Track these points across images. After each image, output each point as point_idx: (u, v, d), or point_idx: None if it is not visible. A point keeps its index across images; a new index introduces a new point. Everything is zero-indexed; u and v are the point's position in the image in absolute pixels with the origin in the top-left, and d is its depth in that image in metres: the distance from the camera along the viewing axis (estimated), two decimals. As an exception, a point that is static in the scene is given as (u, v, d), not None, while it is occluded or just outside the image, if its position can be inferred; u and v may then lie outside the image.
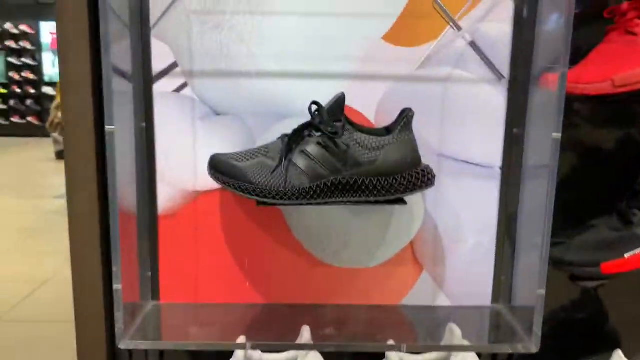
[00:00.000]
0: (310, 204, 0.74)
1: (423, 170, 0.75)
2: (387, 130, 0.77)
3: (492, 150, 0.86)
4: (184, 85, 0.83)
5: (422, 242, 0.88)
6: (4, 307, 2.29)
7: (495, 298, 0.89)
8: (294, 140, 0.74)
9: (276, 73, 0.82)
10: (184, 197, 0.86)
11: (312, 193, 0.73)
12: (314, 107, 0.74)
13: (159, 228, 0.87)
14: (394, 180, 0.74)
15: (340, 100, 0.74)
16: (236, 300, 0.88)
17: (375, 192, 0.74)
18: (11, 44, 8.42)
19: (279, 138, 0.76)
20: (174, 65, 0.82)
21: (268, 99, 0.83)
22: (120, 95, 0.80)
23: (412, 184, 0.74)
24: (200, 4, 0.80)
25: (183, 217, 0.86)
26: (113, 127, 0.72)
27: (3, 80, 8.40)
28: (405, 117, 0.74)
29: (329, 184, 0.73)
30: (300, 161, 0.73)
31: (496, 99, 0.84)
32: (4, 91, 8.41)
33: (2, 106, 8.32)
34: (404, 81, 0.83)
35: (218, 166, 0.75)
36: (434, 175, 0.76)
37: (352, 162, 0.73)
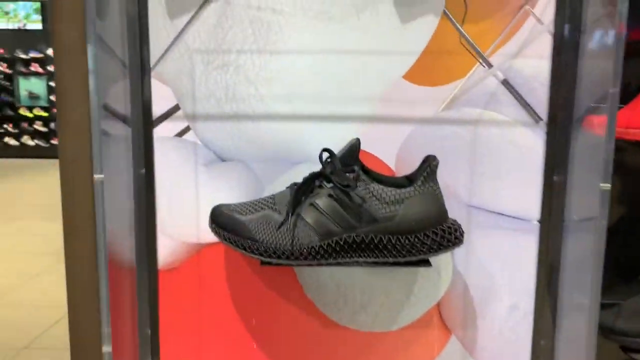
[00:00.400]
0: (321, 264, 0.66)
1: (450, 227, 0.66)
2: (409, 180, 0.68)
3: (528, 201, 0.76)
4: (186, 130, 0.76)
5: (450, 304, 0.78)
6: (35, 331, 2.27)
7: (534, 367, 0.78)
8: (302, 191, 0.67)
9: (286, 116, 0.75)
10: (186, 249, 0.79)
11: (322, 252, 0.65)
12: (325, 155, 0.67)
13: (159, 283, 0.80)
14: (416, 239, 0.65)
15: (354, 147, 0.67)
16: (242, 364, 0.80)
17: (394, 253, 0.65)
18: (52, 68, 8.70)
19: (288, 187, 0.69)
20: (175, 108, 0.76)
21: (277, 143, 0.76)
22: (117, 140, 0.75)
23: (437, 243, 0.65)
24: (203, 42, 0.74)
25: (185, 272, 0.80)
26: (102, 175, 0.66)
27: (45, 104, 8.66)
28: (429, 166, 0.66)
29: (341, 243, 0.65)
30: (309, 216, 0.65)
31: (533, 143, 0.75)
32: (45, 114, 8.65)
33: (44, 129, 8.56)
34: (428, 124, 0.75)
35: (219, 219, 0.68)
36: (463, 233, 0.67)
37: (368, 217, 0.65)
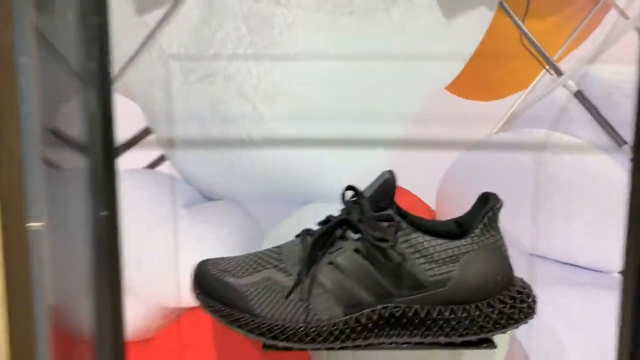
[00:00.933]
0: (345, 347, 0.48)
1: (520, 292, 0.49)
2: (459, 226, 0.51)
3: (608, 248, 0.61)
4: (160, 159, 0.61)
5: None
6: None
7: None
8: (320, 244, 0.49)
9: (293, 140, 0.59)
10: (162, 316, 0.64)
11: (347, 331, 0.48)
12: (350, 194, 0.49)
13: (127, 358, 0.62)
14: (478, 312, 0.48)
15: (388, 184, 0.50)
16: None
17: (447, 330, 0.48)
18: None
19: (299, 236, 0.51)
20: (146, 132, 0.60)
21: (281, 177, 0.60)
22: (69, 174, 0.57)
23: (505, 316, 0.48)
24: (183, 45, 0.58)
25: (161, 344, 0.64)
26: (40, 223, 0.49)
27: None
28: (491, 209, 0.49)
29: (374, 317, 0.48)
30: (329, 279, 0.48)
31: (614, 173, 0.60)
32: None
33: None
34: (478, 149, 0.59)
35: (205, 283, 0.51)
36: (536, 300, 0.50)
37: (411, 282, 0.48)
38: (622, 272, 0.62)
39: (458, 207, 0.57)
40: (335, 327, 0.47)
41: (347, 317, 0.47)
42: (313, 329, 0.47)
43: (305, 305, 0.47)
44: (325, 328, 0.47)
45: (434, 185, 0.59)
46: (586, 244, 0.60)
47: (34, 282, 0.51)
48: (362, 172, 0.57)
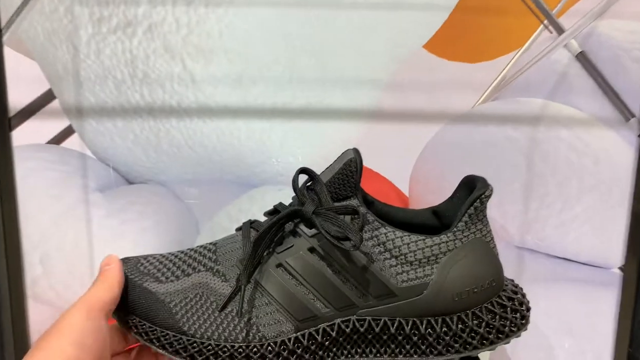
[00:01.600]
0: None
1: (511, 299, 0.40)
2: (437, 216, 0.41)
3: (608, 241, 0.53)
4: (67, 133, 0.48)
5: None
6: None
7: None
8: (265, 242, 0.39)
9: (234, 110, 0.47)
10: None
11: (299, 351, 0.38)
12: (303, 179, 0.39)
13: None
14: (461, 325, 0.38)
15: (352, 166, 0.39)
16: None
17: (423, 348, 0.39)
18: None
19: (239, 229, 0.40)
20: (47, 98, 0.47)
21: (220, 154, 0.48)
22: None
23: (493, 329, 0.39)
24: None
25: None
26: None
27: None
28: (479, 197, 0.39)
29: (333, 333, 0.38)
30: (276, 286, 0.38)
31: (619, 153, 0.51)
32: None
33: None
34: (461, 122, 0.49)
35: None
36: (529, 308, 0.41)
37: (378, 289, 0.38)
38: (623, 268, 0.55)
39: (436, 192, 0.48)
40: (283, 347, 0.37)
41: (299, 333, 0.37)
42: (255, 349, 0.36)
43: (245, 319, 0.37)
44: (270, 348, 0.37)
45: (407, 166, 0.49)
46: (584, 235, 0.52)
47: None
48: (320, 151, 0.47)
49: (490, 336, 0.40)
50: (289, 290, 0.38)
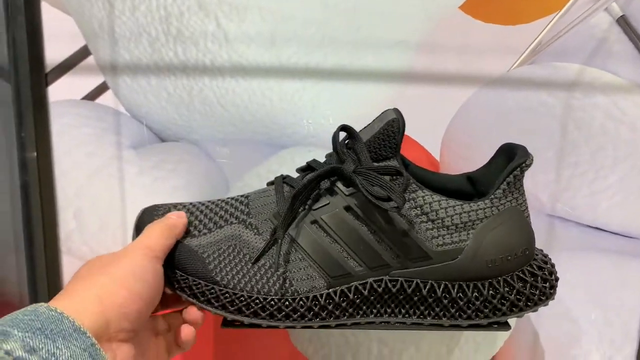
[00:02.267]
0: (327, 326, 0.39)
1: (541, 268, 0.40)
2: (472, 182, 0.41)
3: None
4: (101, 89, 0.48)
5: (511, 358, 0.53)
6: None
7: None
8: (302, 197, 0.39)
9: (267, 69, 0.47)
10: None
11: (330, 307, 0.38)
12: (343, 136, 0.39)
13: None
14: (492, 290, 0.38)
15: (394, 126, 0.39)
16: None
17: (453, 311, 0.39)
18: None
19: (271, 183, 0.41)
20: (83, 54, 0.47)
21: (252, 114, 0.48)
22: None
23: (523, 297, 0.39)
24: None
25: None
26: None
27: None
28: (519, 166, 0.39)
29: (365, 292, 0.38)
30: (311, 242, 0.38)
31: None
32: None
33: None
34: (495, 87, 0.48)
35: None
36: (558, 278, 0.40)
37: (414, 252, 0.38)
38: (656, 239, 0.54)
39: (467, 158, 0.48)
40: (315, 303, 0.37)
41: (331, 290, 0.37)
42: (287, 302, 0.37)
43: (279, 273, 0.37)
44: (302, 302, 0.37)
45: (439, 131, 0.49)
46: (616, 206, 0.51)
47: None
48: (351, 113, 0.47)
49: (519, 303, 0.40)
50: (323, 247, 0.38)
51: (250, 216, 0.39)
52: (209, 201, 0.40)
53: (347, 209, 0.38)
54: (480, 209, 0.38)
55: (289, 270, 0.38)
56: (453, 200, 0.38)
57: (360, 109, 0.47)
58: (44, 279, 0.54)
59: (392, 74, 0.48)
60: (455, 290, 0.38)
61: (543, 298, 0.40)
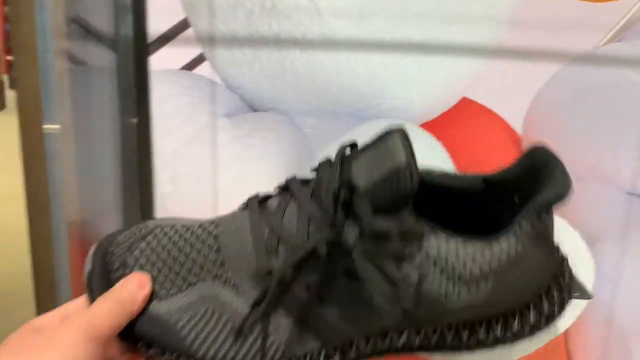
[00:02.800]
0: None
1: (561, 288, 0.31)
2: (489, 185, 0.32)
3: None
4: (199, 59, 0.51)
5: (583, 341, 0.54)
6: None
7: None
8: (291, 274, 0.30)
9: (356, 42, 0.49)
10: None
11: None
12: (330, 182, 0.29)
13: None
14: (509, 322, 0.31)
15: (399, 170, 0.28)
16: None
17: (472, 345, 0.32)
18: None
19: (245, 206, 0.32)
20: (182, 26, 0.50)
21: (340, 86, 0.50)
22: (96, 72, 0.50)
23: (532, 324, 0.31)
24: None
25: None
26: (56, 126, 0.42)
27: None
28: (554, 201, 0.30)
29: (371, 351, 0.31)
30: (294, 310, 0.30)
31: None
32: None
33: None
34: (581, 63, 0.48)
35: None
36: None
37: (429, 310, 0.30)
38: None
39: (550, 134, 0.49)
40: None
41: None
42: None
43: (265, 347, 0.30)
44: None
45: (523, 106, 0.50)
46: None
47: (51, 189, 0.44)
48: (438, 86, 0.48)
49: (525, 330, 0.31)
50: (323, 315, 0.30)
51: (225, 268, 0.30)
52: (171, 240, 0.31)
53: (346, 275, 0.30)
54: (500, 254, 0.30)
55: (275, 342, 0.30)
56: (471, 245, 0.30)
57: (446, 84, 0.49)
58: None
59: (479, 49, 0.49)
60: (474, 332, 0.31)
61: (549, 319, 0.31)
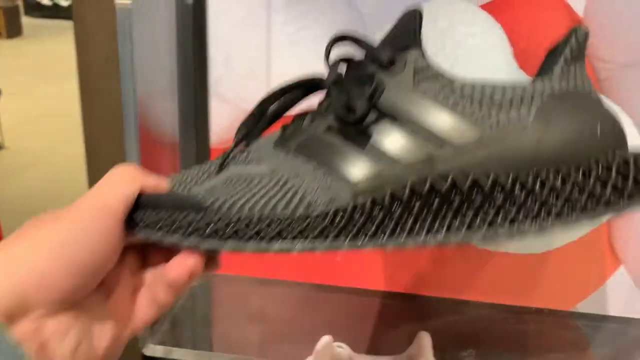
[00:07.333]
0: (355, 246, 0.29)
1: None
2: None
3: None
4: None
5: (627, 223, 0.56)
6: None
7: None
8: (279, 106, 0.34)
9: None
10: None
11: (359, 220, 0.29)
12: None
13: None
14: (567, 177, 0.29)
15: (411, 15, 0.31)
16: (327, 281, 0.62)
17: (528, 208, 0.29)
18: None
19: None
20: None
21: None
22: None
23: (611, 185, 0.30)
24: None
25: None
26: (128, 1, 0.44)
27: None
28: (574, 36, 0.31)
29: (404, 195, 0.29)
30: (326, 145, 0.31)
31: None
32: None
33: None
34: None
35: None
36: None
37: (464, 136, 0.29)
38: None
39: (613, 16, 0.48)
40: (339, 216, 0.28)
41: (359, 198, 0.29)
42: (301, 219, 0.28)
43: (287, 186, 0.30)
44: (321, 217, 0.28)
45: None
46: None
47: (122, 68, 0.46)
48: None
49: (627, 187, 0.30)
50: (345, 149, 0.30)
51: (250, 153, 0.32)
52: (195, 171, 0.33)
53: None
54: (537, 85, 0.30)
55: (299, 182, 0.29)
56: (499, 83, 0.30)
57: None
58: (192, 118, 0.59)
59: None
60: (530, 179, 0.29)
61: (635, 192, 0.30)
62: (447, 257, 0.59)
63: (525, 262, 0.59)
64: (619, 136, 0.30)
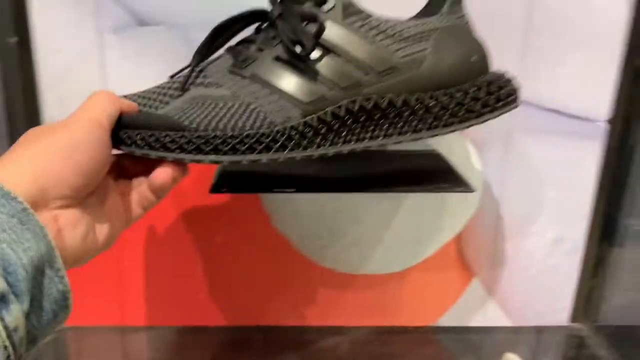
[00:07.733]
0: (306, 154, 0.38)
1: (499, 77, 0.43)
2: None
3: (596, 95, 0.56)
4: None
5: (475, 236, 0.59)
6: None
7: (577, 315, 0.62)
8: (227, 32, 0.41)
9: None
10: None
11: (311, 134, 0.38)
12: None
13: None
14: (461, 94, 0.41)
15: None
16: (192, 322, 0.60)
17: (429, 122, 0.41)
18: None
19: (227, 52, 0.41)
20: None
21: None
22: None
23: (481, 102, 0.42)
24: None
25: None
26: None
27: None
28: None
29: (341, 113, 0.39)
30: (276, 76, 0.39)
31: (613, 11, 0.53)
32: None
33: None
34: None
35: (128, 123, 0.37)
36: (516, 87, 0.44)
37: (382, 65, 0.40)
38: (610, 121, 0.59)
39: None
40: (294, 131, 0.38)
41: (307, 117, 0.38)
42: (265, 135, 0.37)
43: (251, 108, 0.38)
44: (280, 133, 0.37)
45: None
46: (574, 89, 0.55)
47: None
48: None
49: (478, 106, 0.42)
50: (294, 77, 0.38)
51: (207, 78, 0.39)
52: (163, 82, 0.40)
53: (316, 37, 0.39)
54: (432, 21, 0.41)
55: (259, 105, 0.37)
56: (405, 20, 0.41)
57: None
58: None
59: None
60: (427, 98, 0.41)
61: (499, 104, 0.42)
62: (310, 284, 0.60)
63: (387, 281, 0.60)
64: (486, 62, 0.43)
